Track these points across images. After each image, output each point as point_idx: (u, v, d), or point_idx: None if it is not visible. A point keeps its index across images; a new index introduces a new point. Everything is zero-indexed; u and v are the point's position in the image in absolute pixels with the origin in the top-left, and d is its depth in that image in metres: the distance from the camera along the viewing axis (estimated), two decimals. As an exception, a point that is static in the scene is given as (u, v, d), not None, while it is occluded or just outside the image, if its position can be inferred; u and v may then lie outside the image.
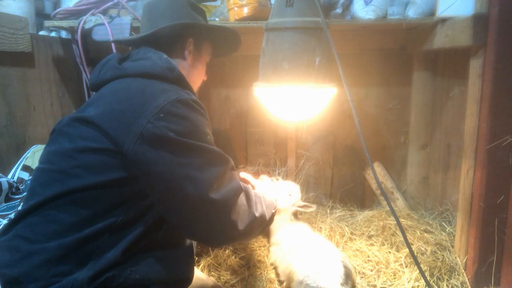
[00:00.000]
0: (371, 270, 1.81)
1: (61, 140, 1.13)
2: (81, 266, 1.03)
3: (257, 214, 1.23)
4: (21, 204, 1.47)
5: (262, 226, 1.30)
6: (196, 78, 1.44)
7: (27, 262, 1.02)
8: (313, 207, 1.82)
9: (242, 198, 1.19)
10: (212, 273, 1.83)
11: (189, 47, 1.35)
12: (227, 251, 1.97)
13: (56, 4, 2.25)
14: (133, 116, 1.04)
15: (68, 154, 1.09)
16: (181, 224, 1.13)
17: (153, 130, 1.02)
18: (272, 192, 1.65)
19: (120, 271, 1.05)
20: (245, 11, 1.89)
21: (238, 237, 1.19)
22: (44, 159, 1.15)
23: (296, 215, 1.84)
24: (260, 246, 2.00)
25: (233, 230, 1.15)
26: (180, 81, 1.21)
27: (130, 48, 1.44)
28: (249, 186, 1.32)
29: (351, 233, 2.10)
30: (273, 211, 1.39)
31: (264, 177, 1.82)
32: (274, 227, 1.88)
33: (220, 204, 1.10)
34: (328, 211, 2.41)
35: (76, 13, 1.96)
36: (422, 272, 1.34)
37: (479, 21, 1.56)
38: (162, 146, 1.03)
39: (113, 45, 1.85)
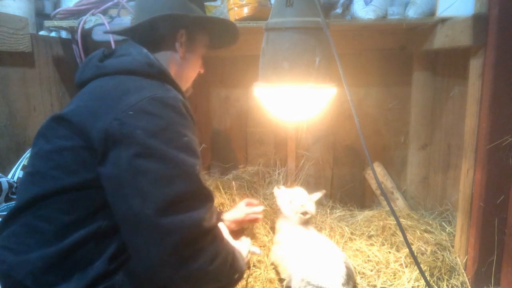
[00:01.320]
0: (371, 270, 1.81)
1: (40, 141, 1.08)
2: (67, 279, 0.96)
3: (211, 268, 0.98)
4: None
5: (214, 285, 1.06)
6: (190, 71, 1.37)
7: (14, 274, 0.97)
8: (310, 213, 1.82)
9: (204, 238, 0.97)
10: (212, 273, 1.83)
11: (180, 39, 1.27)
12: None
13: (56, 4, 2.25)
14: (103, 112, 0.97)
15: (46, 156, 1.04)
16: (123, 236, 0.98)
17: (118, 127, 0.93)
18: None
19: (111, 284, 0.96)
20: (245, 11, 1.89)
21: (172, 282, 0.97)
22: (29, 162, 1.10)
23: (304, 222, 1.84)
24: (260, 246, 1.99)
25: (170, 270, 0.93)
26: (162, 76, 1.13)
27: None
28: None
29: (351, 233, 2.10)
30: (235, 276, 1.13)
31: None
32: (282, 224, 1.89)
33: (166, 232, 0.90)
34: (328, 211, 2.41)
35: (76, 13, 1.96)
36: (422, 272, 1.34)
37: (479, 21, 1.56)
38: (123, 145, 0.93)
39: (112, 43, 1.85)
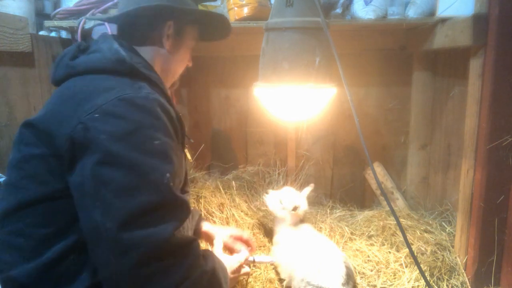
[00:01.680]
0: (371, 270, 1.81)
1: (14, 149, 1.02)
2: None
3: None
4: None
5: None
6: (177, 65, 1.28)
7: None
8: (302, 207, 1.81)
9: (171, 256, 0.87)
10: (212, 273, 1.82)
11: (168, 31, 1.19)
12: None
13: (56, 4, 2.25)
14: (67, 117, 0.91)
15: (17, 165, 0.98)
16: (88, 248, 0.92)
17: (83, 133, 0.87)
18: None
19: None
20: (245, 11, 1.89)
21: None
22: (6, 173, 1.05)
23: (299, 220, 1.84)
24: (260, 246, 2.00)
25: None
26: (134, 73, 1.04)
27: None
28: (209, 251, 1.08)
29: (351, 233, 2.10)
30: None
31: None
32: (278, 227, 1.89)
33: (127, 248, 0.83)
34: (328, 211, 2.41)
35: (76, 13, 1.96)
36: (422, 272, 1.34)
37: (479, 21, 1.56)
38: (87, 151, 0.86)
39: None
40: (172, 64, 1.25)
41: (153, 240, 0.84)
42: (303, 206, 1.85)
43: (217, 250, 1.43)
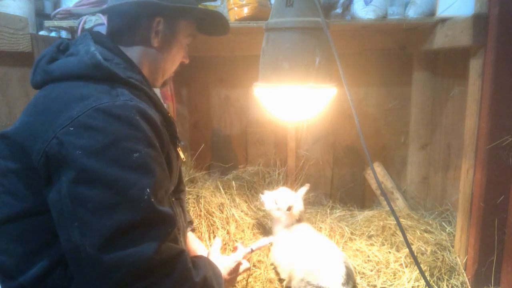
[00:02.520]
0: (371, 270, 1.81)
1: None
2: None
3: None
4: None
5: None
6: (169, 63, 1.19)
7: None
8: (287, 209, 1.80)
9: (156, 273, 0.84)
10: (212, 273, 1.82)
11: (156, 27, 1.10)
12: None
13: (56, 4, 2.25)
14: (42, 130, 0.86)
15: None
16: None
17: (57, 148, 0.82)
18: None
19: None
20: (245, 11, 1.89)
21: None
22: None
23: (296, 220, 1.85)
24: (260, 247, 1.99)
25: None
26: (113, 78, 0.97)
27: None
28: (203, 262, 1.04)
29: (351, 233, 2.10)
30: None
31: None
32: (275, 228, 1.89)
33: (109, 270, 0.80)
34: (328, 211, 2.41)
35: (76, 13, 1.96)
36: (422, 272, 1.34)
37: (479, 21, 1.56)
38: (63, 168, 0.82)
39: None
40: (162, 62, 1.16)
41: (135, 260, 0.81)
42: (299, 206, 1.86)
43: (215, 251, 1.41)
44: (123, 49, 1.09)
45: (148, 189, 0.85)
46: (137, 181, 0.84)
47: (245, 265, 1.44)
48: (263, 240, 1.61)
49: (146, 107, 0.93)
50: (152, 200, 0.85)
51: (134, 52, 1.10)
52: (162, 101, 1.28)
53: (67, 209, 0.82)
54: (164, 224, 0.88)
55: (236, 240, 1.94)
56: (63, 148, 0.82)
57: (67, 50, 1.05)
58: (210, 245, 1.52)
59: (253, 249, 1.54)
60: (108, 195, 0.81)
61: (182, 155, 1.29)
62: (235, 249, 1.48)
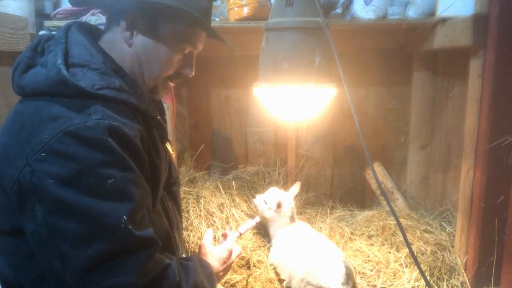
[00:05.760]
0: (371, 270, 1.81)
1: None
2: None
3: None
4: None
5: None
6: (154, 67, 1.03)
7: None
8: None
9: None
10: (212, 273, 1.82)
11: (131, 25, 0.99)
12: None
13: (56, 4, 2.25)
14: (15, 155, 0.83)
15: None
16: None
17: (29, 177, 0.80)
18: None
19: None
20: (245, 11, 1.89)
21: None
22: None
23: (288, 217, 1.86)
24: (260, 246, 2.00)
25: None
26: (84, 95, 0.88)
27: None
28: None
29: (351, 233, 2.10)
30: None
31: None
32: (274, 228, 1.89)
33: None
34: (328, 211, 2.41)
35: (76, 13, 1.96)
36: (422, 272, 1.34)
37: (479, 21, 1.56)
38: (36, 198, 0.80)
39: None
40: (145, 65, 1.02)
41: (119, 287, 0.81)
42: (289, 203, 1.88)
43: (206, 243, 1.39)
44: (109, 48, 1.01)
45: (124, 216, 0.82)
46: (113, 209, 0.82)
47: (237, 250, 1.43)
48: (250, 222, 1.61)
49: (121, 124, 0.87)
50: (130, 227, 0.83)
51: (116, 52, 1.01)
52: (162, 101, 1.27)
53: (45, 240, 0.81)
54: (145, 249, 0.87)
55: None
56: (34, 177, 0.80)
57: (44, 53, 0.98)
58: (202, 238, 1.51)
59: (241, 232, 1.54)
60: (83, 226, 0.79)
61: (170, 150, 1.26)
62: (224, 236, 1.47)
